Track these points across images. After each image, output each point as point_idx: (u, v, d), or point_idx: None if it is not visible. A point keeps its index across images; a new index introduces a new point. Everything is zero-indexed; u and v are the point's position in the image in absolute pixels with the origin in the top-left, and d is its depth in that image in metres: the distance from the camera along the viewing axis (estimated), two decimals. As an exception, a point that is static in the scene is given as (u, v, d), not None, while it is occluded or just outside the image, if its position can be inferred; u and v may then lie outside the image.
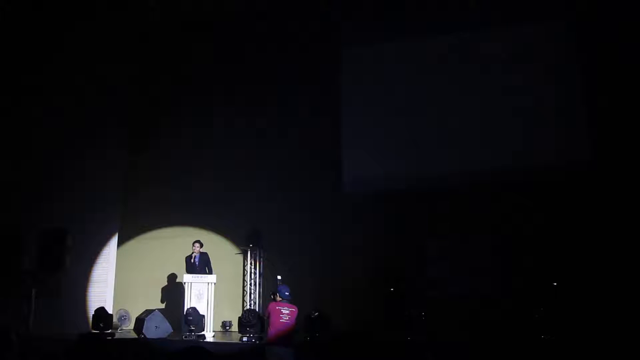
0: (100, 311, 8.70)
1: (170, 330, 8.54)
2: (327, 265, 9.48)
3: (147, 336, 8.25)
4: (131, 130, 11.28)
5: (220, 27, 11.18)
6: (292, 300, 6.72)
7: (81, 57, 10.43)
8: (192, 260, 9.02)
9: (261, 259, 10.19)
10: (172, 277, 10.22)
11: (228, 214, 10.31)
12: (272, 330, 6.53)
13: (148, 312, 8.59)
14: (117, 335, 8.81)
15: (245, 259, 10.18)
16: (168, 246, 10.37)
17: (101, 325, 8.41)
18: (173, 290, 10.02)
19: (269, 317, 6.61)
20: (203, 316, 8.46)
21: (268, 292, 9.30)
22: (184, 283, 8.82)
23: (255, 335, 8.19)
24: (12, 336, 2.68)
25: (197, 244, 9.12)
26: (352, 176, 9.95)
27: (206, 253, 9.18)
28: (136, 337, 8.51)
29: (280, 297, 6.71)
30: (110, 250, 10.60)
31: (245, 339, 8.18)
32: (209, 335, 8.57)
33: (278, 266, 9.78)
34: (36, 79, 10.19)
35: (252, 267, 10.11)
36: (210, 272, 9.02)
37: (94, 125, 10.39)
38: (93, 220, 10.19)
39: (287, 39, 10.67)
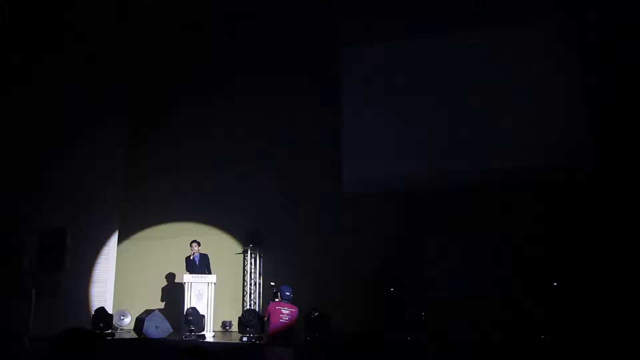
0: (100, 311, 8.70)
1: (170, 330, 8.54)
2: (327, 265, 9.48)
3: (147, 336, 8.25)
4: (131, 130, 11.28)
5: (220, 27, 11.18)
6: (292, 301, 6.72)
7: (81, 56, 10.43)
8: (192, 257, 9.03)
9: (261, 259, 10.20)
10: (172, 277, 10.22)
11: (228, 214, 10.32)
12: (272, 330, 6.53)
13: (148, 312, 8.59)
14: (117, 335, 8.82)
15: (245, 259, 10.18)
16: (168, 246, 10.37)
17: (101, 325, 8.42)
18: (173, 290, 10.02)
19: (269, 317, 6.61)
20: (203, 316, 8.46)
21: (268, 292, 9.32)
22: (184, 283, 8.82)
23: (255, 335, 8.19)
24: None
25: (195, 244, 9.13)
26: (352, 176, 9.95)
27: (207, 255, 9.19)
28: (136, 337, 8.51)
29: (281, 297, 6.72)
30: (110, 250, 10.61)
31: (245, 339, 8.18)
32: (209, 335, 8.57)
33: (278, 265, 9.84)
34: (35, 78, 10.20)
35: (252, 267, 10.11)
36: (209, 273, 9.03)
37: (94, 125, 10.39)
38: (93, 220, 10.20)
39: (287, 39, 10.67)
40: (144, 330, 8.28)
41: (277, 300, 6.93)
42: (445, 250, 9.25)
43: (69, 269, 7.90)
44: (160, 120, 11.23)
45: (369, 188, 9.89)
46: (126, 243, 10.91)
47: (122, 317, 9.72)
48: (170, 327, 8.55)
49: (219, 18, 11.03)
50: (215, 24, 11.14)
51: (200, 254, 9.12)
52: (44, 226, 8.10)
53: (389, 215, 9.48)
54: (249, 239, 10.05)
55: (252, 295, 10.01)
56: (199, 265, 9.04)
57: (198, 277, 8.84)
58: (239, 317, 8.64)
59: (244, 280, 10.10)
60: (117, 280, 10.53)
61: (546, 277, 8.35)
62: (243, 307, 9.82)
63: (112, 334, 8.61)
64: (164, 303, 10.15)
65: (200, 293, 8.75)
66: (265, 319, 6.79)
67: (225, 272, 9.71)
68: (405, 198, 9.52)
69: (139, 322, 8.57)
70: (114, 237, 10.75)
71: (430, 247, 9.32)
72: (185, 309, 8.46)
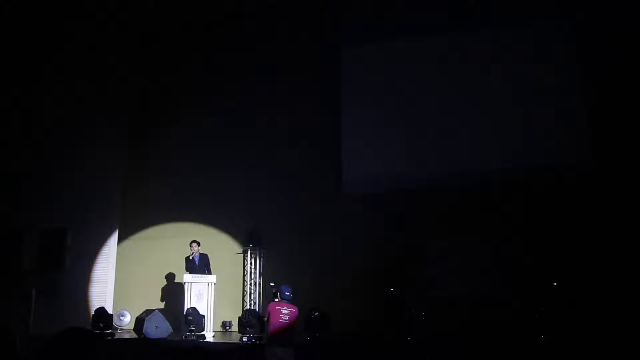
0: (100, 311, 8.70)
1: (170, 330, 8.54)
2: (327, 265, 9.47)
3: (147, 336, 8.25)
4: (131, 130, 11.28)
5: (220, 28, 11.18)
6: (292, 301, 6.71)
7: (81, 56, 10.43)
8: (191, 257, 9.03)
9: (261, 259, 10.20)
10: (172, 277, 10.22)
11: (228, 214, 10.32)
12: (272, 330, 6.53)
13: (148, 312, 8.59)
14: (116, 335, 8.81)
15: (245, 259, 10.18)
16: (168, 246, 10.38)
17: (101, 325, 8.41)
18: (173, 290, 10.02)
19: (268, 317, 6.60)
20: (203, 316, 8.46)
21: (268, 292, 9.32)
22: (184, 283, 8.82)
23: (255, 335, 8.19)
24: (17, 341, 2.66)
25: (194, 244, 9.13)
26: (352, 176, 9.95)
27: (206, 255, 9.19)
28: (136, 337, 8.51)
29: (281, 297, 6.71)
30: (110, 250, 10.61)
31: (245, 339, 8.18)
32: (209, 335, 8.57)
33: (278, 265, 9.83)
34: (36, 78, 10.18)
35: (252, 267, 10.11)
36: (209, 273, 9.02)
37: (94, 125, 10.39)
38: (93, 220, 10.20)
39: (287, 39, 10.68)
40: (144, 330, 8.28)
41: (276, 300, 6.93)
42: (445, 250, 9.25)
43: (69, 269, 7.90)
44: (161, 120, 11.23)
45: (369, 188, 9.89)
46: (126, 243, 10.91)
47: (121, 317, 9.72)
48: (170, 327, 8.55)
49: (219, 18, 11.03)
50: (215, 24, 11.14)
51: (200, 254, 9.12)
52: (44, 226, 8.09)
53: (389, 215, 9.48)
54: (249, 239, 10.05)
55: (252, 295, 10.01)
56: (199, 265, 9.04)
57: (198, 277, 8.85)
58: (239, 317, 8.63)
59: (244, 280, 10.10)
60: (117, 280, 10.53)
61: (546, 277, 8.34)
62: (243, 307, 9.82)
63: (112, 334, 8.60)
64: (164, 303, 10.15)
65: (200, 293, 8.75)
66: (265, 319, 6.78)
67: (225, 272, 9.71)
68: (405, 198, 9.52)
69: (139, 322, 8.57)
70: (114, 237, 10.75)
71: (430, 247, 9.31)
72: (185, 309, 8.46)
